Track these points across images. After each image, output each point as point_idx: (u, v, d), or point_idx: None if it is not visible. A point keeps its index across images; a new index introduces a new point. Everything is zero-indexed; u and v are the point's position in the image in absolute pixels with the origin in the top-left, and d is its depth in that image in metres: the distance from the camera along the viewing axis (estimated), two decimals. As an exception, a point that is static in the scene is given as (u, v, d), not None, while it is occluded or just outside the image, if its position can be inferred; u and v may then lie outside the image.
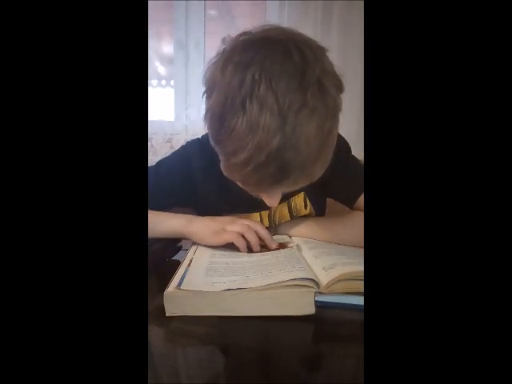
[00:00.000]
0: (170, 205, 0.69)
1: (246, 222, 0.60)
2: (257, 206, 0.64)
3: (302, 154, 0.45)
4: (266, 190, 0.51)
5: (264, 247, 0.59)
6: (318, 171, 0.50)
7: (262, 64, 0.44)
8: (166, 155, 0.74)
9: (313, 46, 0.47)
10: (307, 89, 0.44)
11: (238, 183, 0.51)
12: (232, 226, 0.59)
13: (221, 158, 0.49)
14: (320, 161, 0.48)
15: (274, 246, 0.59)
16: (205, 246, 0.60)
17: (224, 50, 0.48)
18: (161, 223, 0.62)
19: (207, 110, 0.48)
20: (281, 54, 0.45)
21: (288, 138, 0.43)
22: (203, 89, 0.50)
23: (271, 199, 0.55)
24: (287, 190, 0.52)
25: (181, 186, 0.69)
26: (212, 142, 0.49)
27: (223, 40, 0.49)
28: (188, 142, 0.72)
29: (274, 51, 0.45)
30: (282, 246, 0.60)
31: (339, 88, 0.49)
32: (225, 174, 0.50)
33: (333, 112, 0.47)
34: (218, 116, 0.46)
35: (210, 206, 0.69)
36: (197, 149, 0.69)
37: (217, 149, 0.49)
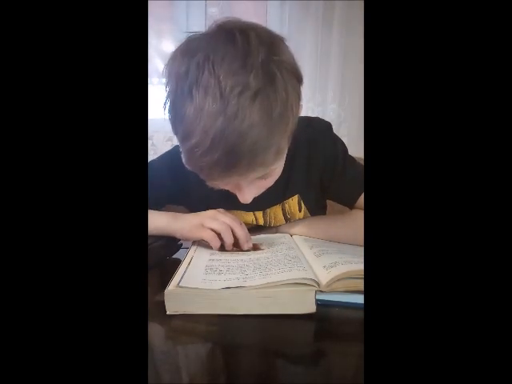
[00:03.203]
0: (162, 203, 0.69)
1: (226, 219, 0.59)
2: (249, 205, 0.63)
3: (248, 139, 0.44)
4: (220, 178, 0.49)
5: (237, 246, 0.59)
6: (272, 159, 0.49)
7: (206, 50, 0.45)
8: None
9: (261, 33, 0.47)
10: (250, 71, 0.44)
11: (198, 173, 0.51)
12: (210, 223, 0.58)
13: (180, 147, 0.49)
14: (272, 148, 0.47)
15: (245, 247, 0.58)
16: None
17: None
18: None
19: (165, 101, 0.49)
20: (224, 39, 0.46)
21: (230, 121, 0.43)
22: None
23: (242, 195, 0.55)
24: (243, 178, 0.50)
25: (173, 184, 0.69)
26: (173, 132, 0.50)
27: None
28: None
29: (217, 37, 0.46)
30: (255, 247, 0.59)
31: (294, 76, 0.49)
32: (186, 165, 0.50)
33: (284, 98, 0.46)
34: (172, 105, 0.47)
35: (204, 204, 0.69)
36: None
37: (177, 138, 0.49)
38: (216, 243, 0.57)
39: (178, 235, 0.62)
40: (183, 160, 0.50)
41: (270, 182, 0.57)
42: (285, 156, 0.54)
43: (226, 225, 0.58)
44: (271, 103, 0.45)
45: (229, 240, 0.58)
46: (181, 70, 0.45)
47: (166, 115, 0.49)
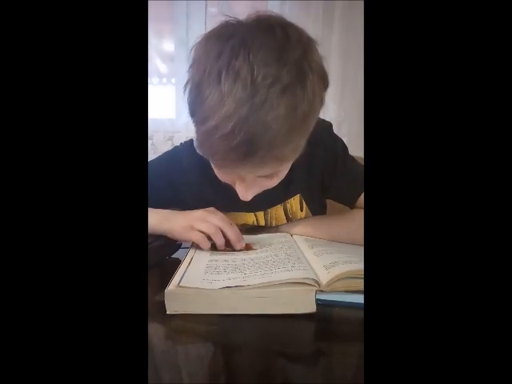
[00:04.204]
0: (159, 205, 0.69)
1: (215, 220, 0.58)
2: (250, 205, 0.63)
3: (270, 131, 0.44)
4: (233, 166, 0.49)
5: (229, 246, 0.59)
6: (288, 155, 0.49)
7: (243, 37, 0.45)
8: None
9: (301, 33, 0.48)
10: (284, 65, 0.44)
11: (209, 159, 0.51)
12: (200, 225, 0.57)
13: (195, 129, 0.49)
14: (291, 144, 0.47)
15: (237, 247, 0.58)
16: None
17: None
18: None
19: (187, 81, 0.49)
20: (264, 29, 0.46)
21: (256, 110, 0.43)
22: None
23: (244, 191, 0.54)
24: (256, 170, 0.50)
25: (172, 186, 0.68)
26: (189, 113, 0.49)
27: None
28: (181, 144, 0.72)
29: (257, 27, 0.46)
30: (247, 247, 0.59)
31: (323, 80, 0.49)
32: (197, 149, 0.50)
33: (311, 98, 0.46)
34: (196, 86, 0.47)
35: (203, 206, 0.68)
36: (191, 150, 0.67)
37: (192, 120, 0.49)
38: (205, 245, 0.57)
39: (168, 235, 0.61)
40: (195, 144, 0.49)
41: (274, 182, 0.57)
42: (297, 156, 0.53)
43: (215, 227, 0.57)
44: (298, 101, 0.45)
45: (219, 241, 0.57)
46: (213, 51, 0.45)
47: (186, 96, 0.49)
